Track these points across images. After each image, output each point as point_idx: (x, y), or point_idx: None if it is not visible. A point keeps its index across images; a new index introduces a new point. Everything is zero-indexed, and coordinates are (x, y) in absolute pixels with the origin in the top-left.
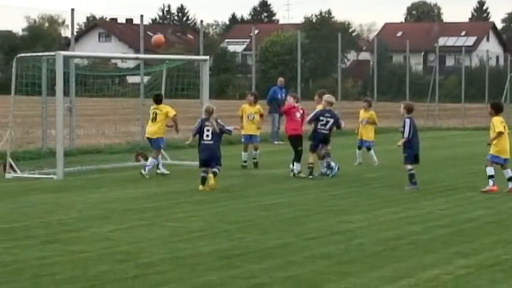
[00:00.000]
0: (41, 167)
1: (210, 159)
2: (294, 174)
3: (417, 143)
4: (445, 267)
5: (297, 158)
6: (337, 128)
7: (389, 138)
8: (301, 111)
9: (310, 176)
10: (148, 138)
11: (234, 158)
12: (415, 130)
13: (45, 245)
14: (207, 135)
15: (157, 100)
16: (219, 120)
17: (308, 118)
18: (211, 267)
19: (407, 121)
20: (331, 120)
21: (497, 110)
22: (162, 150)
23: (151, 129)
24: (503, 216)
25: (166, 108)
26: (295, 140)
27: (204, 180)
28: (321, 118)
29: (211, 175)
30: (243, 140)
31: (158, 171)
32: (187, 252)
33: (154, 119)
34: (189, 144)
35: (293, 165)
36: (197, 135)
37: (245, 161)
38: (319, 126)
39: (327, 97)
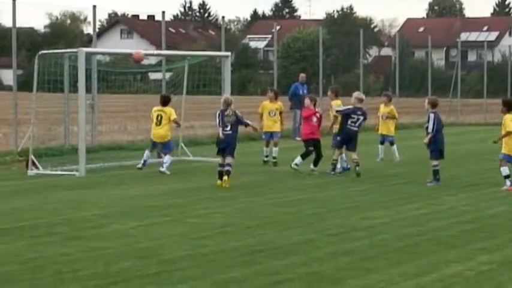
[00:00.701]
0: (63, 163)
1: (226, 147)
2: (290, 166)
3: (442, 138)
4: (467, 263)
5: (304, 154)
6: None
7: (411, 134)
8: (318, 116)
9: (332, 173)
10: (156, 142)
11: (255, 154)
12: (440, 125)
13: (68, 241)
14: (226, 126)
15: (165, 102)
16: (237, 112)
17: (338, 109)
18: (234, 264)
19: (432, 116)
20: (361, 118)
21: (509, 107)
22: (184, 147)
23: (160, 133)
24: None
25: (171, 111)
26: (309, 143)
27: (221, 175)
28: (353, 116)
29: (225, 177)
30: (263, 136)
31: (140, 166)
32: (209, 249)
33: (159, 122)
34: (222, 136)
35: (314, 165)
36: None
37: (266, 156)
38: (349, 123)
39: (357, 94)
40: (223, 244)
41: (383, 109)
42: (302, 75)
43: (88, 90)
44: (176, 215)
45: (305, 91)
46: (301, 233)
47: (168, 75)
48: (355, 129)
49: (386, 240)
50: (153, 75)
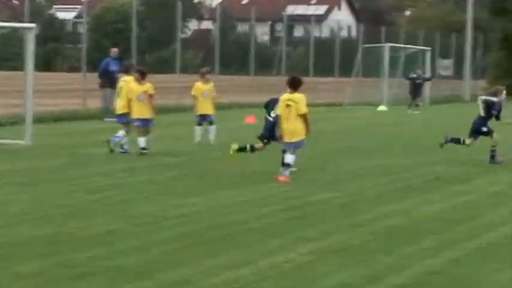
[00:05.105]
0: None
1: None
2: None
3: None
4: (286, 254)
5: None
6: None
7: (231, 114)
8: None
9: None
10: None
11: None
12: None
13: None
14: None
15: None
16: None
17: (496, 112)
18: (31, 256)
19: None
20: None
21: None
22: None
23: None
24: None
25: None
26: None
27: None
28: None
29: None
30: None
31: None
32: (1, 240)
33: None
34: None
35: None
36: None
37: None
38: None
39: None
40: (19, 234)
41: (202, 86)
42: (114, 50)
43: None
44: None
45: (118, 67)
46: (107, 222)
47: None
48: None
49: (199, 230)
50: None
